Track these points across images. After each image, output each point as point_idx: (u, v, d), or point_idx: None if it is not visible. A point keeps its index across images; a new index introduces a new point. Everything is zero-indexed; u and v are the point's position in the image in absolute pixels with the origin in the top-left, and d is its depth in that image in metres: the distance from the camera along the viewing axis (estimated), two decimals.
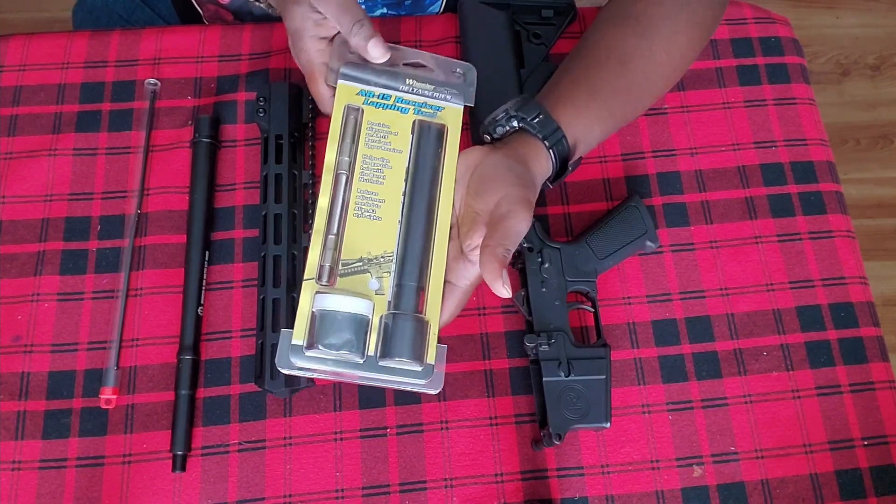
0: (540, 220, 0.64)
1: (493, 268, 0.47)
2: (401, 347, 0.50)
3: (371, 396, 0.62)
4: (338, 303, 0.50)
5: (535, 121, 0.55)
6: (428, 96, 0.58)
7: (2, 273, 0.65)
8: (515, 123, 0.56)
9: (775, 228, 0.68)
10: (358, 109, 0.56)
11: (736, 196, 0.69)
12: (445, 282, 0.53)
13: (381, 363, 0.51)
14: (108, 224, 0.66)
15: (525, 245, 0.62)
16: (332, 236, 0.52)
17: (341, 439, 0.60)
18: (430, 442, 0.60)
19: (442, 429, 0.61)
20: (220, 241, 0.66)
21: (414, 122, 0.57)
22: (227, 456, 0.60)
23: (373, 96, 0.56)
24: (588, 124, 0.57)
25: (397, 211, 0.54)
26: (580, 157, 0.57)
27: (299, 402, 0.61)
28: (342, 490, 0.59)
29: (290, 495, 0.59)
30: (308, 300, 0.51)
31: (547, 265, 0.61)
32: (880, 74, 1.65)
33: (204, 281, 0.64)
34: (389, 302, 0.52)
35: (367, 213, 0.53)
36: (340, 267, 0.52)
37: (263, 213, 0.64)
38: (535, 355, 0.60)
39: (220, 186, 0.68)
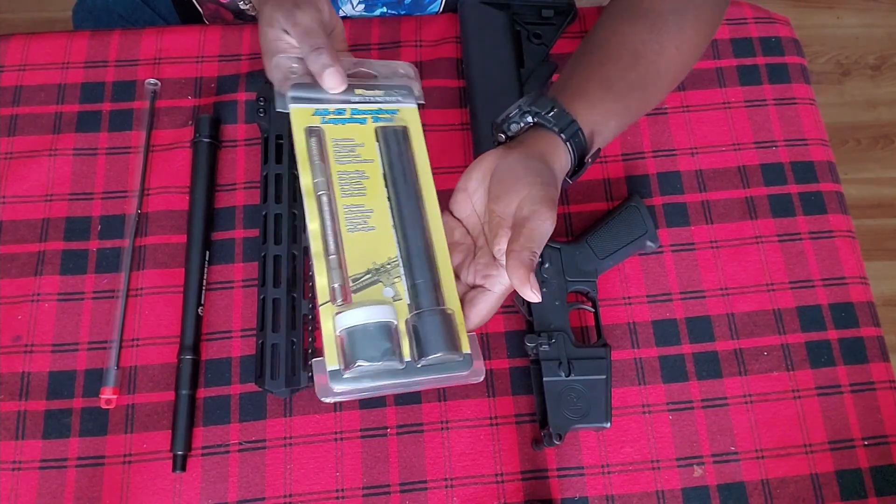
0: None
1: (520, 273, 0.47)
2: (435, 343, 0.49)
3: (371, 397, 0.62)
4: (362, 316, 0.49)
5: (550, 114, 0.54)
6: (381, 102, 0.57)
7: (2, 273, 0.65)
8: (530, 119, 0.55)
9: (776, 228, 0.68)
10: (318, 130, 0.55)
11: (736, 196, 0.69)
12: (478, 287, 0.53)
13: (420, 364, 0.49)
14: (108, 224, 0.66)
15: None
16: (334, 256, 0.51)
17: (341, 439, 0.60)
18: (430, 442, 0.60)
19: (442, 429, 0.61)
20: (221, 241, 0.66)
21: (376, 129, 0.56)
22: (228, 456, 0.60)
23: (328, 113, 0.56)
24: (603, 117, 0.56)
25: (387, 217, 0.53)
26: (598, 150, 0.56)
27: (299, 402, 0.61)
28: (342, 490, 0.59)
29: (290, 495, 0.59)
30: (330, 324, 0.49)
31: (547, 265, 0.61)
32: (881, 74, 1.65)
33: (204, 281, 0.64)
34: (409, 304, 0.51)
35: (359, 227, 0.53)
36: (351, 283, 0.51)
37: (264, 213, 0.64)
38: (535, 355, 0.60)
39: (221, 186, 0.68)
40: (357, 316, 0.49)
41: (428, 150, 0.57)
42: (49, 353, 0.62)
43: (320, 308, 0.50)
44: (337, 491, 0.59)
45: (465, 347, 0.50)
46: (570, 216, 0.68)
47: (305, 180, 0.53)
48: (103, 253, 0.65)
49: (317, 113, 0.56)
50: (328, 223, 0.52)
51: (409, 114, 0.58)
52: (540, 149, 0.54)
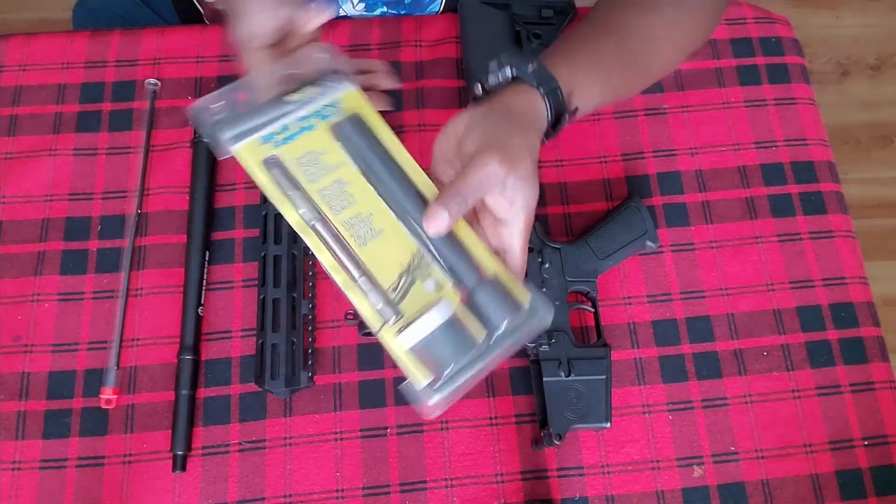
0: (540, 220, 0.64)
1: (433, 211, 0.45)
2: (497, 314, 0.47)
3: (371, 396, 0.62)
4: (423, 327, 0.47)
5: (530, 69, 0.52)
6: (317, 98, 0.53)
7: (2, 273, 0.65)
8: (509, 72, 0.52)
9: (775, 228, 0.68)
10: (275, 158, 0.51)
11: (736, 196, 0.69)
12: (499, 227, 0.50)
13: (493, 340, 0.48)
14: (108, 224, 0.66)
15: None
16: (363, 278, 0.49)
17: (341, 439, 0.60)
18: (430, 442, 0.60)
19: (442, 429, 0.61)
20: (221, 241, 0.66)
21: (331, 130, 0.52)
22: (228, 456, 0.60)
23: (274, 136, 0.51)
24: (585, 83, 0.55)
25: (389, 213, 0.51)
26: (576, 109, 0.54)
27: (299, 402, 0.61)
28: (342, 490, 0.59)
29: (290, 495, 0.59)
30: (398, 346, 0.47)
31: (547, 265, 0.61)
32: (880, 74, 1.65)
33: (204, 281, 0.64)
34: (454, 288, 0.49)
35: (369, 237, 0.50)
36: (392, 295, 0.48)
37: (263, 212, 0.64)
38: (535, 355, 0.60)
39: (221, 186, 0.68)
40: (419, 329, 0.47)
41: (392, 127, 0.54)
42: (49, 353, 0.62)
43: (378, 335, 0.48)
44: (337, 491, 0.59)
45: (524, 299, 0.48)
46: (569, 216, 0.68)
47: (291, 216, 0.49)
48: (103, 253, 0.65)
49: (264, 141, 0.51)
50: (337, 250, 0.49)
51: (351, 98, 0.53)
52: (513, 100, 0.51)
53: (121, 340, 0.62)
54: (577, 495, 0.59)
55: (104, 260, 0.65)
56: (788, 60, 0.75)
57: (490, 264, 0.49)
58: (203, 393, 0.61)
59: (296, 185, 0.50)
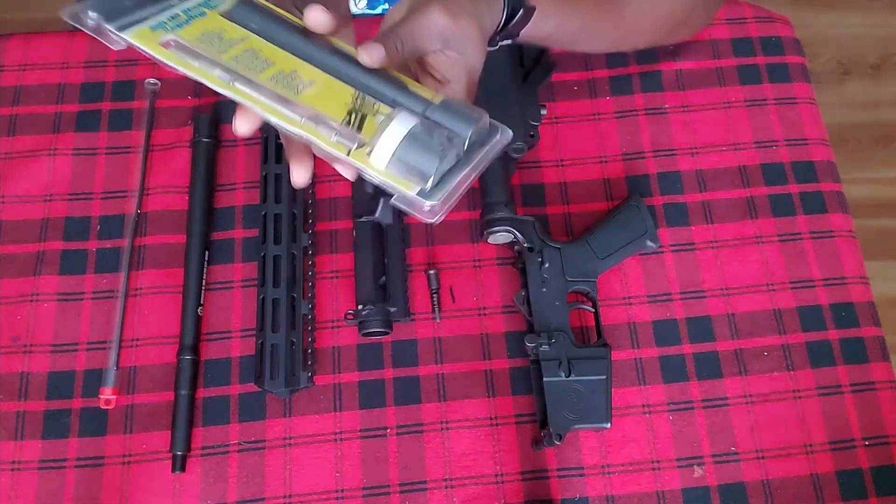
0: (540, 220, 0.64)
1: (366, 48, 0.44)
2: (460, 125, 0.46)
3: (371, 397, 0.61)
4: (390, 139, 0.44)
5: None
6: None
7: (2, 273, 0.65)
8: None
9: (776, 228, 0.68)
10: (173, 39, 0.48)
11: (737, 196, 0.69)
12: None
13: (466, 146, 0.46)
14: (107, 224, 0.66)
15: (525, 245, 0.62)
16: (311, 115, 0.46)
17: (341, 440, 0.60)
18: (430, 442, 0.60)
19: (442, 429, 0.61)
20: (220, 241, 0.66)
21: (224, 13, 0.49)
22: (227, 456, 0.60)
23: (164, 24, 0.48)
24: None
25: (312, 68, 0.48)
26: (533, 8, 0.52)
27: (299, 402, 0.61)
28: (342, 490, 0.59)
29: (290, 496, 0.59)
30: (374, 166, 0.45)
31: (547, 265, 0.61)
32: (881, 74, 1.65)
33: (204, 281, 0.64)
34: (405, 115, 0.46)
35: (301, 89, 0.47)
36: (346, 129, 0.46)
37: (263, 212, 0.64)
38: (535, 355, 0.59)
39: (220, 186, 0.68)
40: (387, 143, 0.44)
41: None
42: (48, 353, 0.62)
43: (350, 158, 0.45)
44: (337, 491, 0.59)
45: (481, 114, 0.46)
46: (570, 216, 0.68)
47: (209, 81, 0.45)
48: (103, 253, 0.65)
49: (155, 28, 0.48)
50: (270, 99, 0.45)
51: None
52: None
53: (120, 340, 0.62)
54: (578, 496, 0.59)
55: (104, 260, 0.65)
56: (789, 60, 0.75)
57: (436, 95, 0.47)
58: (203, 393, 0.61)
59: (204, 56, 0.47)
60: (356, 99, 0.47)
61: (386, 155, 0.44)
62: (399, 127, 0.45)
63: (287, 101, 0.46)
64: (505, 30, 0.52)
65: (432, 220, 0.44)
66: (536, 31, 0.54)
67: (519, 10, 0.52)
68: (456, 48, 0.46)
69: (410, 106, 0.46)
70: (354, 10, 0.77)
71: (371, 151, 0.45)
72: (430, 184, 0.44)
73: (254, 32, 0.49)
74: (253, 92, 0.45)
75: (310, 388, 0.61)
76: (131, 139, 0.69)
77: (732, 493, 0.59)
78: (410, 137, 0.45)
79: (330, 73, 0.47)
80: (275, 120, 0.45)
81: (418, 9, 0.46)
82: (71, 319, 0.63)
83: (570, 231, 0.67)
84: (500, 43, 0.53)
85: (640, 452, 0.60)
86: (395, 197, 0.45)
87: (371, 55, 0.44)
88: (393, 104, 0.47)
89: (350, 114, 0.46)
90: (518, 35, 0.54)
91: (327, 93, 0.47)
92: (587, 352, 0.59)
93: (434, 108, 0.46)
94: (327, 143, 0.45)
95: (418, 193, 0.44)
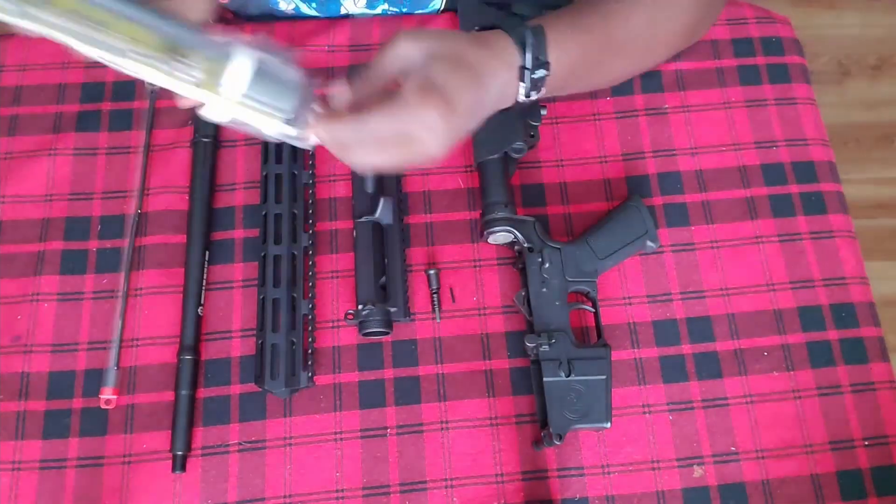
0: (540, 220, 0.64)
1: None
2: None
3: (371, 397, 0.61)
4: (236, 72, 0.43)
5: (508, 22, 0.53)
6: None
7: (2, 273, 0.65)
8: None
9: (776, 228, 0.68)
10: None
11: (737, 196, 0.69)
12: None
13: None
14: (108, 224, 0.66)
15: (525, 245, 0.62)
16: (132, 51, 0.44)
17: (341, 439, 0.60)
18: (430, 442, 0.60)
19: (442, 429, 0.61)
20: (220, 241, 0.66)
21: None
22: (227, 456, 0.60)
23: None
24: (562, 45, 0.55)
25: (100, 10, 0.43)
26: (547, 63, 0.53)
27: (299, 402, 0.61)
28: (342, 490, 0.59)
29: (290, 495, 0.59)
30: (230, 95, 0.44)
31: (547, 265, 0.61)
32: (881, 74, 1.65)
33: (204, 281, 0.64)
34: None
35: (103, 19, 0.43)
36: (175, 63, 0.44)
37: (263, 212, 0.64)
38: (535, 355, 0.59)
39: (220, 186, 0.68)
40: (236, 75, 0.43)
41: None
42: (49, 353, 0.62)
43: (202, 96, 0.44)
44: (337, 491, 0.59)
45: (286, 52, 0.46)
46: (570, 216, 0.68)
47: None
48: (103, 253, 0.65)
49: None
50: (78, 25, 0.42)
51: None
52: (478, 35, 0.52)
53: (120, 340, 0.62)
54: (578, 496, 0.59)
55: (104, 260, 0.65)
56: (789, 60, 0.75)
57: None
58: (203, 393, 0.61)
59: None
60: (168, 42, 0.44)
61: (240, 86, 0.44)
62: (244, 60, 0.44)
63: (97, 28, 0.43)
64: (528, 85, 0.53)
65: (305, 146, 0.47)
66: (558, 68, 0.54)
67: (537, 64, 0.53)
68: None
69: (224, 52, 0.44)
70: (353, 9, 0.77)
71: (219, 84, 0.43)
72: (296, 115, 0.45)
73: None
74: (53, 22, 0.41)
75: (310, 388, 0.61)
76: (131, 139, 0.69)
77: (732, 493, 0.60)
78: (262, 76, 0.44)
79: (121, 19, 0.44)
80: (92, 50, 0.42)
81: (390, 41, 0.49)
82: (71, 319, 0.63)
83: (570, 231, 0.67)
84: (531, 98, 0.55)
85: (640, 452, 0.60)
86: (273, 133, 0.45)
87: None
88: (203, 58, 0.44)
89: (167, 52, 0.44)
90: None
91: (134, 27, 0.44)
92: (587, 352, 0.59)
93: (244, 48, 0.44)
94: (157, 73, 0.44)
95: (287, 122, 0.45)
